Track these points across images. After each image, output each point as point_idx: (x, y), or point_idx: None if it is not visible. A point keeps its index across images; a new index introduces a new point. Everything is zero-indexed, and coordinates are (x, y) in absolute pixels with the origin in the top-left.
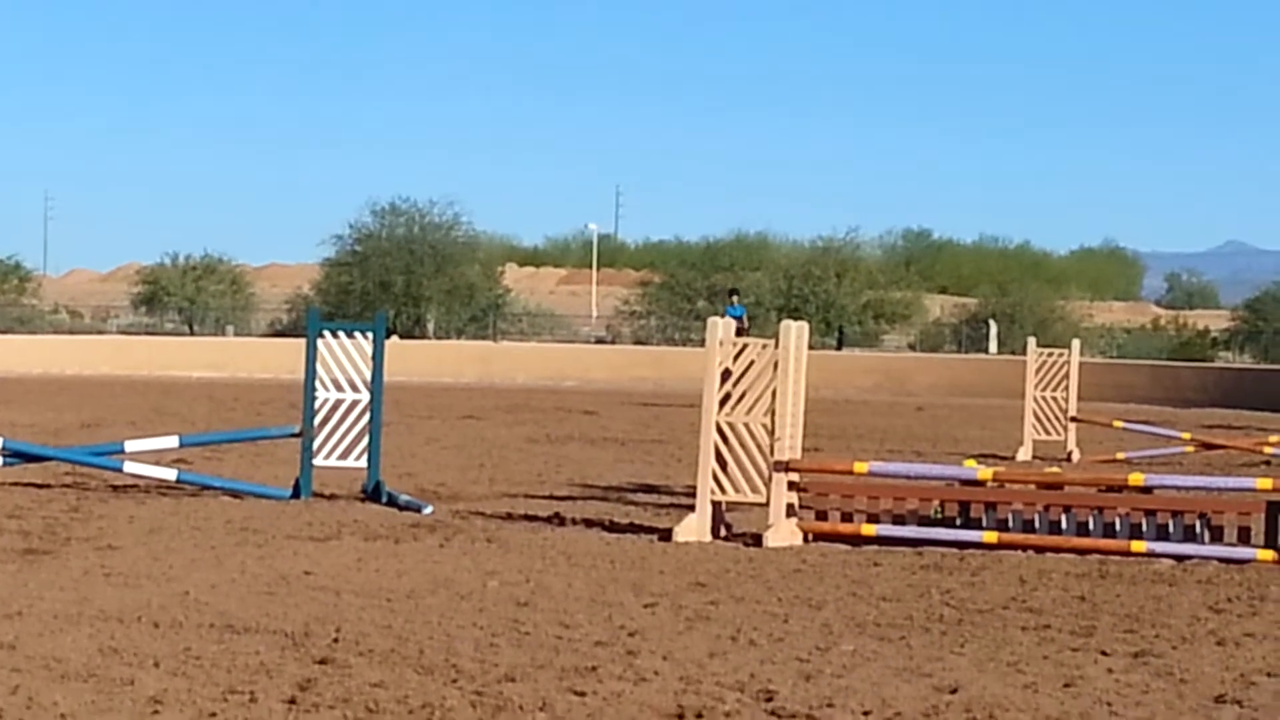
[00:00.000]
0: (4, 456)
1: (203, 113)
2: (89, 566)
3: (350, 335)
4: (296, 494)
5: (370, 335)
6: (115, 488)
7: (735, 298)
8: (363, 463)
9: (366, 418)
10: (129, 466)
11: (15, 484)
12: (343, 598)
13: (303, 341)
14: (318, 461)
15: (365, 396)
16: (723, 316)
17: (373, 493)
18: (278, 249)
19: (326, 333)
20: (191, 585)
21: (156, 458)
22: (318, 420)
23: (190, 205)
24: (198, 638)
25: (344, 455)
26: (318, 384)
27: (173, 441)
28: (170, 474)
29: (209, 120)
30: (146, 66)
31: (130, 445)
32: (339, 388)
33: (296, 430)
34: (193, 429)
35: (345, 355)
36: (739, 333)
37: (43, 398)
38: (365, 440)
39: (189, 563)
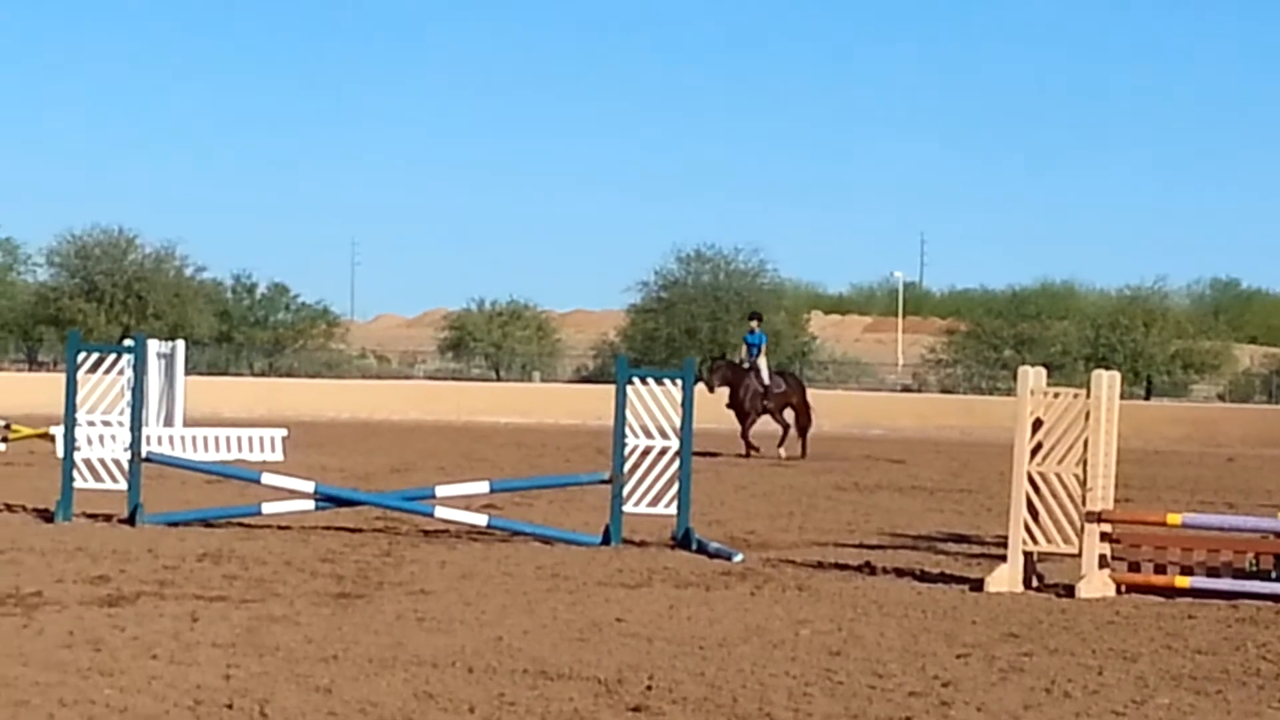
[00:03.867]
0: (317, 501)
1: (508, 159)
2: (402, 611)
3: (659, 382)
4: (607, 540)
5: (679, 382)
6: (426, 532)
7: (756, 323)
8: (672, 510)
9: (676, 464)
10: (440, 511)
11: (328, 528)
12: (655, 645)
13: (609, 388)
14: (628, 508)
15: (674, 443)
16: (743, 342)
17: (683, 540)
18: (583, 295)
19: (636, 379)
20: (504, 631)
21: (466, 503)
22: (627, 467)
23: (496, 251)
24: (511, 684)
25: (654, 502)
26: (627, 430)
27: (483, 487)
28: (481, 519)
29: (514, 166)
30: (452, 112)
31: (441, 490)
32: (648, 434)
33: (606, 477)
34: (501, 474)
35: (654, 402)
36: (751, 368)
37: (352, 442)
38: (675, 487)
39: (501, 608)
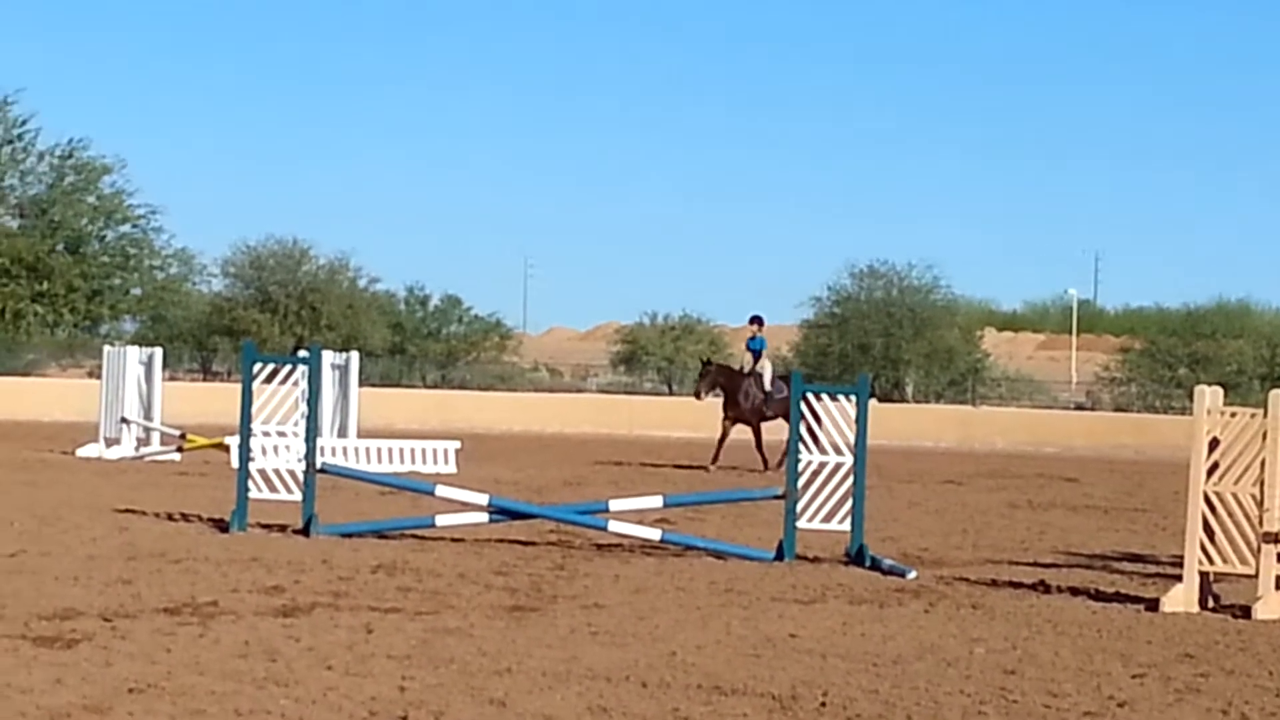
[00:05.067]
0: (490, 513)
1: (681, 172)
2: (576, 625)
3: (834, 398)
4: (780, 556)
5: (853, 398)
6: (599, 546)
7: (758, 328)
8: (846, 526)
9: (850, 481)
10: (613, 525)
11: (501, 540)
12: (828, 661)
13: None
14: (801, 524)
15: (849, 459)
16: (746, 348)
17: (856, 556)
18: (756, 310)
19: (810, 395)
20: (678, 645)
21: (640, 517)
22: (801, 482)
23: (670, 265)
24: (685, 699)
25: (827, 518)
26: (801, 446)
27: (656, 501)
28: (654, 534)
29: (688, 180)
30: (627, 125)
31: (614, 504)
32: (822, 450)
33: (780, 492)
34: (674, 489)
35: (828, 418)
36: (751, 373)
37: (525, 455)
38: (849, 503)
39: (674, 623)
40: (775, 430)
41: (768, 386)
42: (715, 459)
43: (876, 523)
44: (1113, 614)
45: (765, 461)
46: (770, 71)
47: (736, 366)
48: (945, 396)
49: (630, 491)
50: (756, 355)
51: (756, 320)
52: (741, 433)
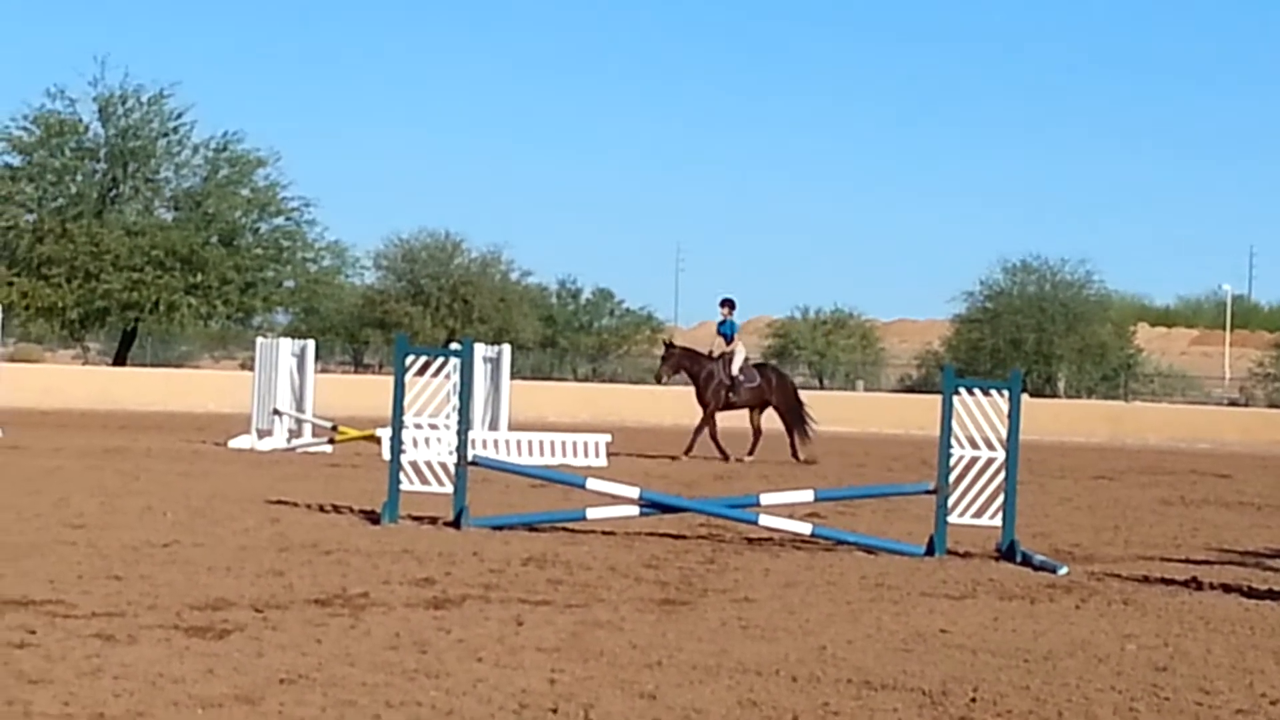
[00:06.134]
0: (641, 507)
1: (833, 166)
2: (726, 618)
3: (986, 393)
4: (930, 551)
5: (1006, 393)
6: (749, 540)
7: (728, 310)
8: (997, 521)
9: (1001, 476)
10: (764, 519)
11: (652, 534)
12: (979, 657)
13: (933, 398)
14: (952, 519)
15: (1000, 455)
16: (717, 332)
17: (1007, 552)
18: (907, 304)
19: (962, 390)
20: (828, 640)
21: (790, 511)
22: (952, 477)
23: (821, 259)
24: (835, 693)
25: (979, 513)
26: (953, 441)
27: (807, 495)
28: (805, 528)
29: (840, 173)
30: (779, 119)
31: (765, 498)
32: (974, 445)
33: (931, 487)
34: (824, 483)
35: (980, 413)
36: (719, 358)
37: (675, 448)
38: (1000, 499)
39: (825, 617)
40: (738, 419)
41: (735, 373)
42: (689, 449)
43: (1027, 518)
44: (1266, 611)
45: (721, 452)
46: (926, 67)
47: (708, 351)
48: (1097, 392)
49: (781, 485)
50: (728, 339)
51: (727, 303)
52: (736, 419)
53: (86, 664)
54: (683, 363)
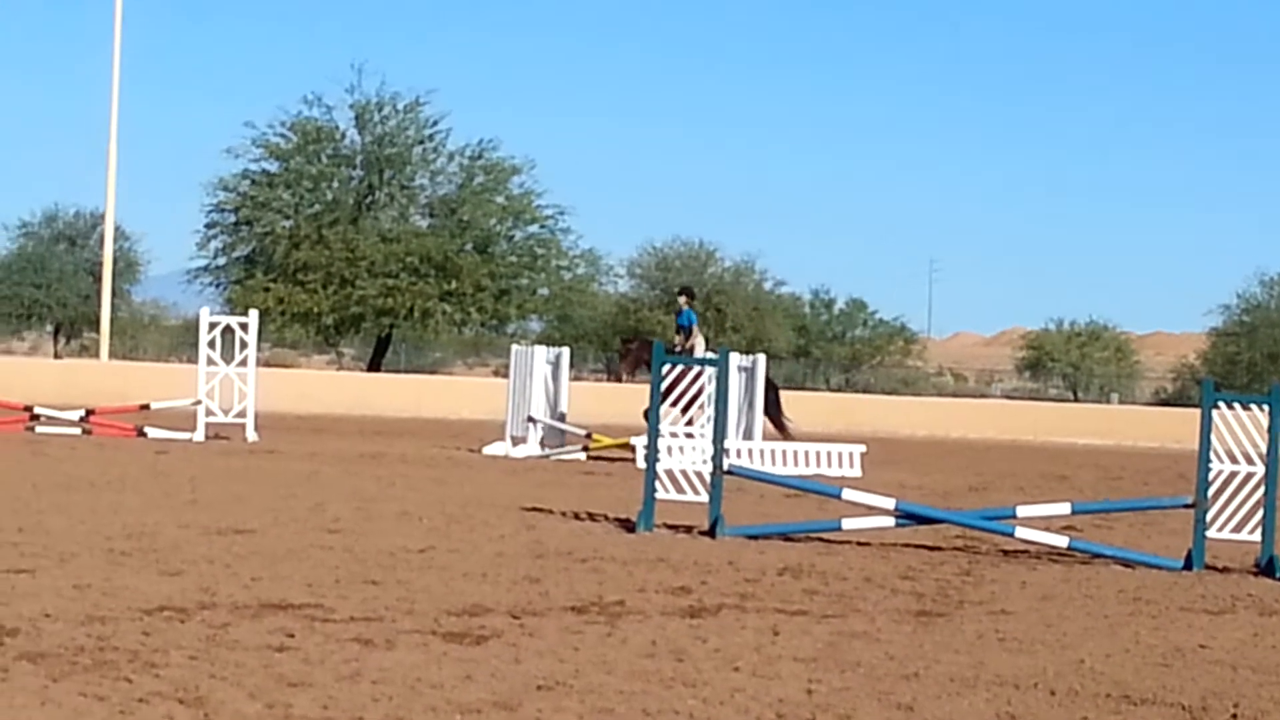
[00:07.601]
0: (896, 518)
1: (1086, 180)
2: (983, 630)
3: (1246, 407)
4: (1188, 565)
5: (1266, 407)
6: (1005, 552)
7: (685, 300)
8: (1256, 536)
9: (1261, 491)
10: (1020, 531)
11: (907, 545)
12: (1239, 673)
13: (1189, 411)
14: (1210, 533)
15: (1260, 469)
16: (676, 325)
17: (1267, 567)
18: (1163, 317)
19: (1221, 404)
20: (1086, 653)
21: (1046, 524)
22: (1211, 491)
23: (1076, 271)
24: (1094, 708)
25: (1237, 528)
26: (1211, 455)
27: (1064, 508)
28: (1061, 540)
29: (1095, 186)
30: (1033, 131)
31: (1022, 510)
32: (1233, 459)
33: (1189, 501)
34: (1080, 496)
35: (1240, 427)
36: (680, 349)
37: (929, 460)
38: (1260, 514)
39: (1082, 630)
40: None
41: None
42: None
43: None
44: None
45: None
46: (1177, 77)
47: (668, 344)
48: None
49: (1036, 498)
50: (685, 331)
51: (685, 292)
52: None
53: (345, 668)
54: (643, 357)
